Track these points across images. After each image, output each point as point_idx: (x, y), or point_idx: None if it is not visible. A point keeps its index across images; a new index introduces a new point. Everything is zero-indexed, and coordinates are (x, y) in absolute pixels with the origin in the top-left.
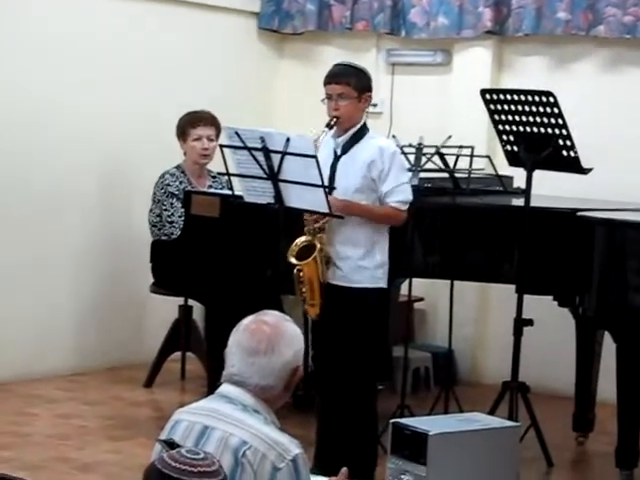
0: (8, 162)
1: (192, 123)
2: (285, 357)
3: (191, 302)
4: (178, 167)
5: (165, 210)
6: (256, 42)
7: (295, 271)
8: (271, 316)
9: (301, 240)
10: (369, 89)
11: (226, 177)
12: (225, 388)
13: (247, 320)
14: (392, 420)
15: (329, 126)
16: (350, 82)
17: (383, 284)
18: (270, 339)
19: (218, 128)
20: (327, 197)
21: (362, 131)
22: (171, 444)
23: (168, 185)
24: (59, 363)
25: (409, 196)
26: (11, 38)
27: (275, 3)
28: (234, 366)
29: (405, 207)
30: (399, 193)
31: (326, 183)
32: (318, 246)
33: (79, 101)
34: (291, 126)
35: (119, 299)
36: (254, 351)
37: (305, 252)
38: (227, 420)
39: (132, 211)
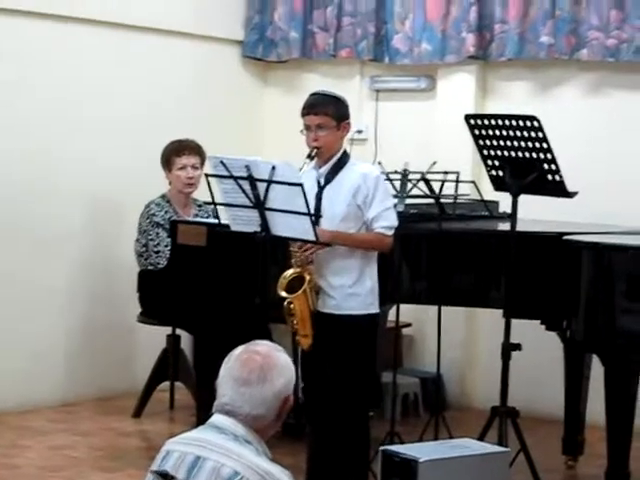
0: None
1: (177, 152)
2: (277, 387)
3: (179, 331)
4: (163, 197)
5: (151, 240)
6: (241, 70)
7: (285, 304)
8: (262, 346)
9: (290, 272)
10: (347, 117)
11: (212, 206)
12: (216, 418)
13: (238, 350)
14: (382, 447)
15: (310, 157)
16: (328, 112)
17: (374, 309)
18: (262, 369)
19: (203, 156)
20: (314, 225)
21: (343, 159)
22: (165, 475)
23: (154, 215)
24: (49, 394)
25: (394, 222)
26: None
27: (259, 31)
28: (225, 396)
29: (391, 232)
30: (385, 219)
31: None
32: (307, 278)
33: (66, 135)
34: (277, 154)
35: (107, 329)
36: (246, 381)
37: (294, 284)
38: (219, 450)
39: (120, 240)
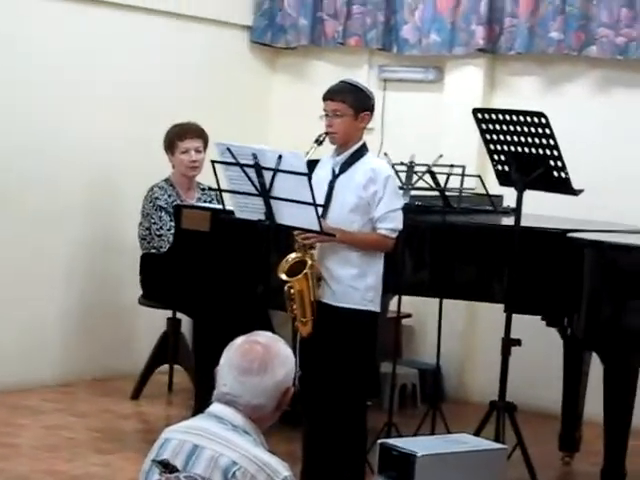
0: None
1: (179, 136)
2: (277, 377)
3: (179, 315)
4: (167, 180)
5: (154, 224)
6: (249, 56)
7: (286, 288)
8: (264, 337)
9: (292, 257)
10: (368, 109)
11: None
12: (216, 407)
13: (239, 340)
14: (380, 440)
15: (318, 142)
16: (346, 100)
17: (373, 307)
18: (263, 359)
19: (206, 140)
20: (318, 216)
21: (361, 151)
22: (166, 465)
23: (157, 199)
24: (46, 374)
25: (399, 224)
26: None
27: (268, 17)
28: (225, 385)
29: (394, 234)
30: (390, 220)
31: (322, 201)
32: (309, 262)
33: (73, 114)
34: (284, 140)
35: (107, 310)
36: (246, 370)
37: (296, 269)
38: (217, 440)
39: (121, 222)
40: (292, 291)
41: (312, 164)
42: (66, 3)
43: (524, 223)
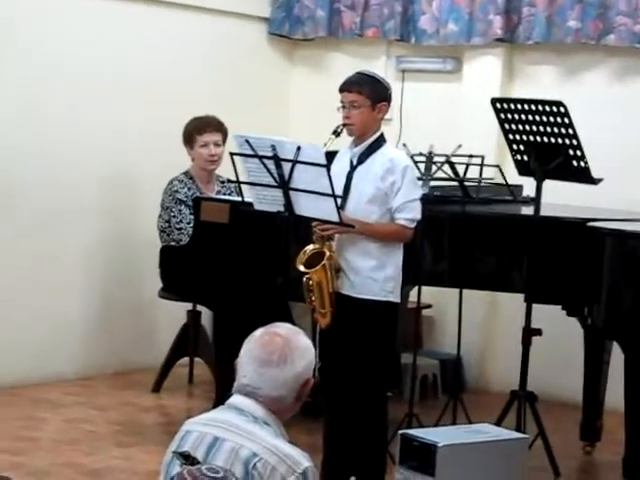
0: (13, 169)
1: (198, 130)
2: (297, 369)
3: (199, 307)
4: (186, 173)
5: (173, 217)
6: (267, 48)
7: (304, 279)
8: (283, 328)
9: (310, 248)
10: (385, 99)
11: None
12: (236, 399)
13: (259, 332)
14: (401, 431)
15: (336, 133)
16: (363, 91)
17: (393, 298)
18: (283, 350)
19: (225, 133)
20: (337, 207)
21: (379, 141)
22: (187, 457)
23: (176, 192)
24: (67, 367)
25: (418, 214)
26: (17, 48)
27: (285, 9)
28: (245, 377)
29: (413, 225)
30: (409, 210)
31: (341, 193)
32: (327, 254)
33: (89, 109)
34: (303, 132)
35: (127, 303)
36: (266, 362)
37: (314, 260)
38: (237, 432)
39: (141, 215)
40: (311, 282)
41: (330, 156)
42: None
43: (544, 212)
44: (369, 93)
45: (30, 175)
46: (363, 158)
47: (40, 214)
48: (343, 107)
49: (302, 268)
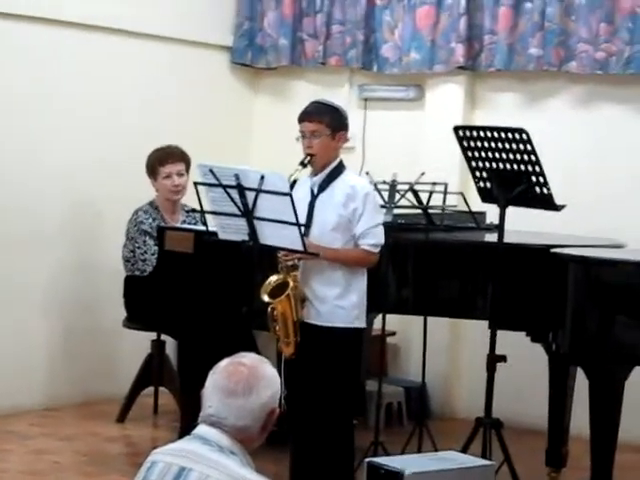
0: None
1: (160, 161)
2: (263, 399)
3: (164, 337)
4: (151, 203)
5: (138, 248)
6: (229, 77)
7: (269, 309)
8: (249, 358)
9: (274, 279)
10: (344, 128)
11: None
12: (201, 429)
13: (225, 362)
14: (367, 459)
15: (303, 164)
16: (323, 120)
17: (359, 324)
18: (248, 380)
19: (188, 162)
20: (302, 235)
21: (338, 169)
22: None
23: (141, 222)
24: (31, 398)
25: (381, 239)
26: None
27: (248, 38)
28: (211, 407)
29: (377, 250)
30: (372, 236)
31: (304, 221)
32: (291, 284)
33: (50, 137)
34: (266, 161)
35: (91, 333)
36: (232, 392)
37: (279, 290)
38: (204, 462)
39: (104, 244)
40: (275, 312)
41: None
42: (48, 26)
43: (507, 239)
44: (329, 122)
45: None
46: (324, 186)
47: (2, 241)
48: (303, 137)
49: (266, 298)
